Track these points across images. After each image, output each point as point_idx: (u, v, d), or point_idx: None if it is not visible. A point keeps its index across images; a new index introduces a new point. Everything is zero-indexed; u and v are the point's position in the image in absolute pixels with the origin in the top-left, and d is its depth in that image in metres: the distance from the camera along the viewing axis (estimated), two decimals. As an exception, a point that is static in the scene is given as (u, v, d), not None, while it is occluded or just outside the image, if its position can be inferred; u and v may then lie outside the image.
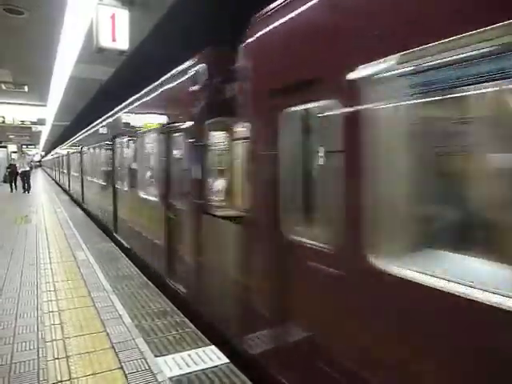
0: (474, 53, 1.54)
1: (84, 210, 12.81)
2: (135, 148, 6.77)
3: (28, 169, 19.34)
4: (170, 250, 4.82)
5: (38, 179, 33.08)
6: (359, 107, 2.00)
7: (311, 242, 2.42)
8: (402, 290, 1.83)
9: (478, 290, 1.52)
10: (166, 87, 5.02)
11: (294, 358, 2.59)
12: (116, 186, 8.07)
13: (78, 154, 14.93)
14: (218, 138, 4.13)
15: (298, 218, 2.64)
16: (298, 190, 2.66)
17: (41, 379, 2.82)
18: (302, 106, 2.59)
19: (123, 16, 5.48)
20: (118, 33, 5.38)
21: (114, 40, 5.36)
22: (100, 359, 3.08)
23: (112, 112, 8.86)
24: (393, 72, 1.85)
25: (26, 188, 18.50)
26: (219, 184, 4.27)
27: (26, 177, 18.80)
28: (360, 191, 2.00)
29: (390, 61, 1.82)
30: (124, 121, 7.56)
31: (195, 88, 4.02)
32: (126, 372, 2.89)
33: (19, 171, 19.27)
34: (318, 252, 2.34)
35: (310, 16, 2.44)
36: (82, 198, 13.77)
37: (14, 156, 30.22)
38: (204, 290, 3.98)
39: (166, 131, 4.93)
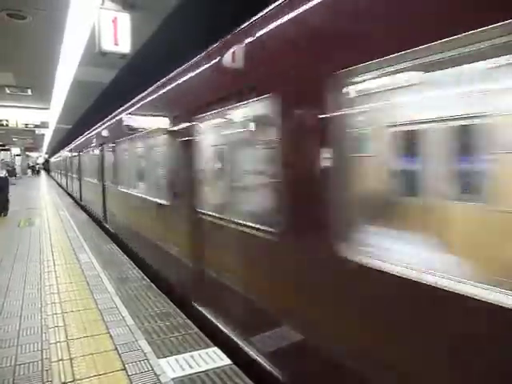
0: None
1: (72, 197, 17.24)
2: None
3: (4, 174, 11.57)
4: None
5: (42, 183, 33.21)
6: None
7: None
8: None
9: None
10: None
11: None
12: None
13: (71, 158, 18.81)
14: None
15: None
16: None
17: (45, 381, 2.84)
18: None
19: (125, 20, 5.51)
20: (120, 36, 5.41)
21: (116, 43, 5.39)
22: (103, 361, 3.10)
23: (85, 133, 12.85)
24: None
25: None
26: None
27: None
28: None
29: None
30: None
31: None
32: (129, 373, 2.91)
33: None
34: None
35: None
36: (80, 196, 15.76)
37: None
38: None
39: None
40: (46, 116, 16.98)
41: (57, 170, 34.77)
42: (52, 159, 46.19)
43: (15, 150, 33.18)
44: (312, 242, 2.29)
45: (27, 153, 45.44)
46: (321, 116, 2.18)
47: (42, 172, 57.80)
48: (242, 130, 3.35)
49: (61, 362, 3.08)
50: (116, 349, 3.30)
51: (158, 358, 3.16)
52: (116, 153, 8.23)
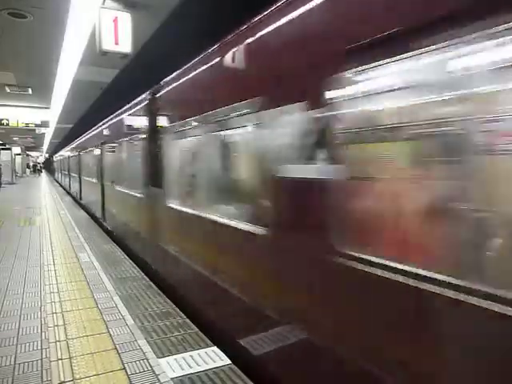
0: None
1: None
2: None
3: None
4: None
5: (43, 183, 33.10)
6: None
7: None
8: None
9: None
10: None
11: None
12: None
13: (68, 158, 21.58)
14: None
15: None
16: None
17: (44, 380, 2.84)
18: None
19: (125, 19, 5.51)
20: (121, 36, 5.41)
21: (116, 43, 5.39)
22: (103, 360, 3.10)
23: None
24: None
25: None
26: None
27: None
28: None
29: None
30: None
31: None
32: (129, 373, 2.91)
33: None
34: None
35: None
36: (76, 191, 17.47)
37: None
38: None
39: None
40: (46, 115, 16.98)
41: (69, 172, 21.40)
42: (56, 157, 40.75)
43: (16, 150, 33.23)
44: (158, 200, 5.17)
45: (28, 152, 45.44)
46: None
47: (43, 172, 57.75)
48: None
49: (60, 361, 3.09)
50: (116, 348, 3.30)
51: (158, 357, 3.16)
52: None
